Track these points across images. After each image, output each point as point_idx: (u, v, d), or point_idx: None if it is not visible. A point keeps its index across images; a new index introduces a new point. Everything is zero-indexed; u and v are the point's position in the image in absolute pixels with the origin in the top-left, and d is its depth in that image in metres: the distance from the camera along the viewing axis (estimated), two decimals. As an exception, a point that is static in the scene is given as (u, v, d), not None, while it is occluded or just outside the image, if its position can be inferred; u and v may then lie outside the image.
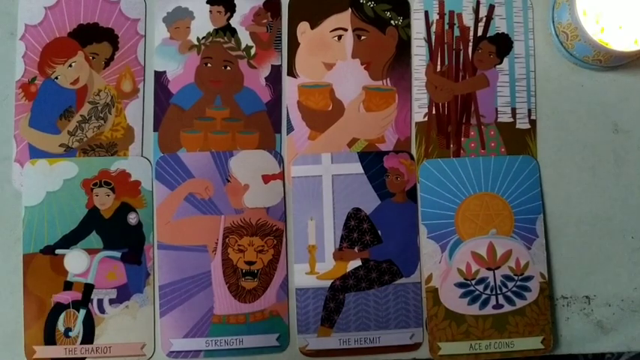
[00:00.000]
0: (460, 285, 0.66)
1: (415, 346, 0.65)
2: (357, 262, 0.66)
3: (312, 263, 0.66)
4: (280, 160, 0.67)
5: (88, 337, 0.64)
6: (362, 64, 0.68)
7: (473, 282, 0.66)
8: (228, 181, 0.66)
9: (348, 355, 0.65)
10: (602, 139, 0.69)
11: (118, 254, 0.65)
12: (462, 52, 0.68)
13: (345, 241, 0.66)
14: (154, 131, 0.66)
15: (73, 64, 0.66)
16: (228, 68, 0.67)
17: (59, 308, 0.64)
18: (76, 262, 0.64)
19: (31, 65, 0.66)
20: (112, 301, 0.64)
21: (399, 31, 0.69)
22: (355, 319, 0.65)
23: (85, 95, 0.66)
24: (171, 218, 0.65)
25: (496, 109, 0.68)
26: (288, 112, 0.67)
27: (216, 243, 0.65)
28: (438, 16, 0.69)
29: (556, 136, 0.68)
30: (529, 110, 0.68)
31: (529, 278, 0.66)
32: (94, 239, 0.64)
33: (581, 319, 0.67)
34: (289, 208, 0.66)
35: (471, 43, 0.68)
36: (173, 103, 0.67)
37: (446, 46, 0.68)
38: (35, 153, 0.65)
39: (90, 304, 0.64)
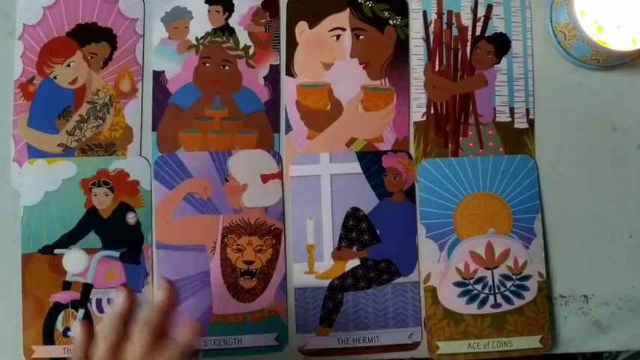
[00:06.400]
0: (458, 284, 0.66)
1: (414, 345, 0.65)
2: (356, 262, 0.66)
3: (311, 263, 0.66)
4: (279, 160, 0.67)
5: (87, 336, 0.64)
6: (360, 63, 0.68)
7: (471, 281, 0.66)
8: (227, 180, 0.66)
9: (346, 354, 0.65)
10: (600, 138, 0.69)
11: (116, 254, 0.65)
12: (460, 51, 0.69)
13: (343, 240, 0.66)
14: (153, 131, 0.67)
15: (71, 64, 0.66)
16: (227, 68, 0.67)
17: (58, 308, 0.64)
18: (74, 261, 0.64)
19: (30, 65, 0.66)
20: (110, 301, 0.64)
21: (397, 30, 0.69)
22: (354, 318, 0.65)
23: (84, 95, 0.66)
24: (169, 218, 0.65)
25: (494, 108, 0.68)
26: (286, 112, 0.67)
27: (215, 243, 0.65)
28: (436, 16, 0.69)
29: (554, 136, 0.68)
30: (527, 110, 0.68)
31: (527, 277, 0.66)
32: (92, 239, 0.64)
33: (579, 318, 0.67)
34: (288, 208, 0.66)
35: (469, 43, 0.69)
36: (172, 102, 0.67)
37: (444, 45, 0.69)
38: (34, 153, 0.65)
39: (89, 303, 0.64)
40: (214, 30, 0.68)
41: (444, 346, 0.65)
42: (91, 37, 0.67)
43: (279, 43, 0.68)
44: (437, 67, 0.68)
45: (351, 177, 0.67)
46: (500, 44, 0.69)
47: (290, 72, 0.68)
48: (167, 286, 0.52)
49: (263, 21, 0.68)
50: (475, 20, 0.69)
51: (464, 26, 0.69)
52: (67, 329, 0.64)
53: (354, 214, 0.66)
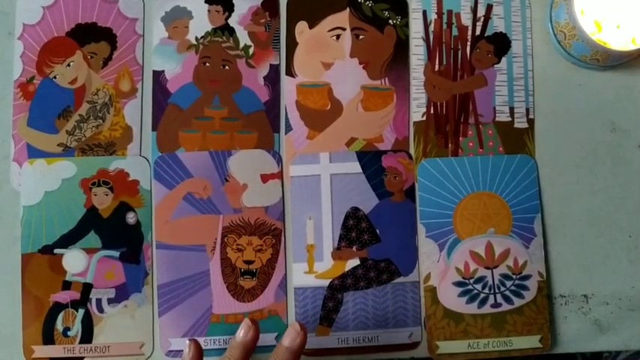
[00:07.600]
0: (458, 284, 0.66)
1: (414, 345, 0.65)
2: (356, 262, 0.66)
3: (311, 262, 0.66)
4: (279, 160, 0.67)
5: (87, 336, 0.64)
6: (360, 63, 0.68)
7: (471, 281, 0.66)
8: (227, 180, 0.66)
9: (346, 354, 0.65)
10: (599, 138, 0.69)
11: (116, 254, 0.65)
12: (460, 51, 0.69)
13: (343, 240, 0.66)
14: (153, 131, 0.66)
15: (71, 64, 0.66)
16: (227, 68, 0.67)
17: (58, 308, 0.64)
18: (74, 261, 0.64)
19: (29, 65, 0.66)
20: (110, 301, 0.64)
21: (397, 30, 0.69)
22: (354, 318, 0.65)
23: (84, 95, 0.66)
24: (169, 218, 0.65)
25: (494, 108, 0.68)
26: (286, 112, 0.67)
27: (215, 242, 0.65)
28: (436, 16, 0.69)
29: (554, 136, 0.68)
30: (527, 109, 0.68)
31: (527, 277, 0.66)
32: (92, 239, 0.64)
33: (579, 318, 0.67)
34: (288, 208, 0.66)
35: (469, 43, 0.69)
36: (171, 102, 0.67)
37: (444, 45, 0.69)
38: (33, 152, 0.65)
39: (88, 303, 0.64)
40: (214, 30, 0.68)
41: (444, 346, 0.65)
42: (91, 36, 0.67)
43: (279, 42, 0.68)
44: (437, 67, 0.68)
45: (350, 177, 0.67)
46: (500, 44, 0.69)
47: (290, 72, 0.68)
48: (302, 331, 0.56)
49: (263, 21, 0.68)
50: (475, 20, 0.69)
51: (464, 26, 0.69)
52: (66, 329, 0.64)
53: (353, 214, 0.66)
